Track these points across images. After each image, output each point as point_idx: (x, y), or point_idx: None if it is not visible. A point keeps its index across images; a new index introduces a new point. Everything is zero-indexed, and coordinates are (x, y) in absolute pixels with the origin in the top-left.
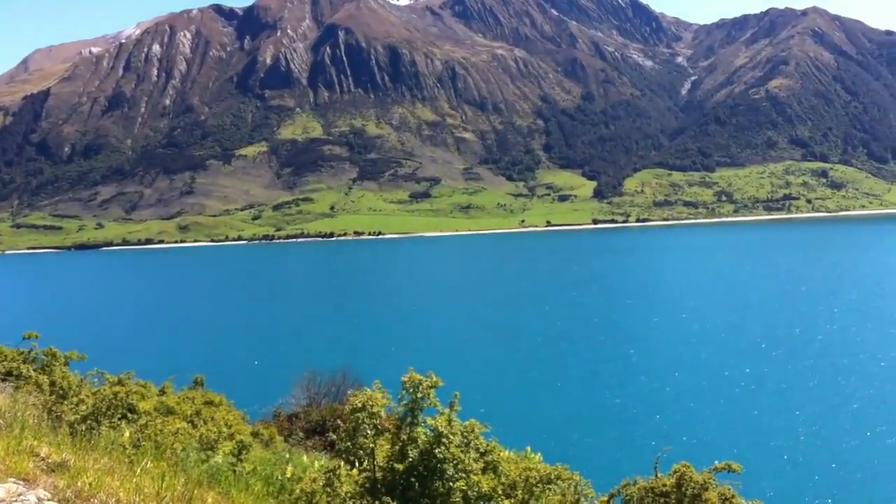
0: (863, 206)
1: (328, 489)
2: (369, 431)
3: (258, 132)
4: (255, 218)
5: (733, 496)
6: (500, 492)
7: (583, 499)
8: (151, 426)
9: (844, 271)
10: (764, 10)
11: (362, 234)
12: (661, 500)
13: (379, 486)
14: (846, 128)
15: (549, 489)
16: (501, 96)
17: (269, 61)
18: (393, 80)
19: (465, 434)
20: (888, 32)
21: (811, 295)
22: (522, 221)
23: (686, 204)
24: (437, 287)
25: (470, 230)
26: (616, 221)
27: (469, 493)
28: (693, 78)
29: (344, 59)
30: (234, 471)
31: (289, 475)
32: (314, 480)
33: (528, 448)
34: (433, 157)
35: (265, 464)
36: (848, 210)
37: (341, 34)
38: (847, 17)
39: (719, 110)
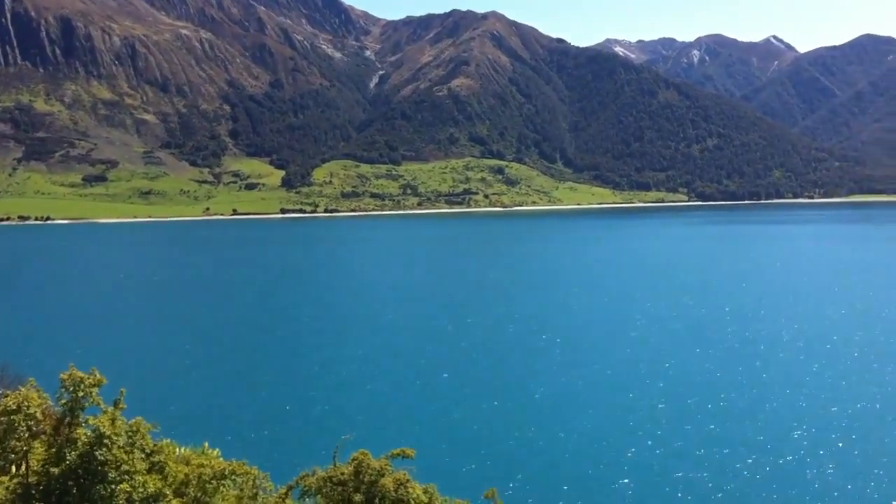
0: (534, 202)
1: None
2: (24, 434)
3: None
4: None
5: (408, 481)
6: (168, 492)
7: (261, 492)
8: None
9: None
10: (448, 11)
11: (28, 219)
12: (339, 488)
13: (33, 492)
14: (520, 128)
15: (224, 485)
16: (185, 78)
17: None
18: (66, 55)
19: (131, 434)
20: (559, 40)
21: (505, 284)
22: (207, 209)
23: (373, 196)
24: (109, 276)
25: (150, 217)
26: (305, 211)
27: (134, 495)
28: (381, 72)
29: (10, 28)
30: None
31: None
32: None
33: (206, 444)
34: (110, 139)
35: None
36: (521, 206)
37: (7, 1)
38: (523, 24)
39: (405, 105)
